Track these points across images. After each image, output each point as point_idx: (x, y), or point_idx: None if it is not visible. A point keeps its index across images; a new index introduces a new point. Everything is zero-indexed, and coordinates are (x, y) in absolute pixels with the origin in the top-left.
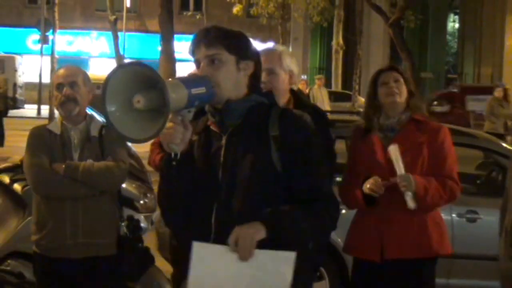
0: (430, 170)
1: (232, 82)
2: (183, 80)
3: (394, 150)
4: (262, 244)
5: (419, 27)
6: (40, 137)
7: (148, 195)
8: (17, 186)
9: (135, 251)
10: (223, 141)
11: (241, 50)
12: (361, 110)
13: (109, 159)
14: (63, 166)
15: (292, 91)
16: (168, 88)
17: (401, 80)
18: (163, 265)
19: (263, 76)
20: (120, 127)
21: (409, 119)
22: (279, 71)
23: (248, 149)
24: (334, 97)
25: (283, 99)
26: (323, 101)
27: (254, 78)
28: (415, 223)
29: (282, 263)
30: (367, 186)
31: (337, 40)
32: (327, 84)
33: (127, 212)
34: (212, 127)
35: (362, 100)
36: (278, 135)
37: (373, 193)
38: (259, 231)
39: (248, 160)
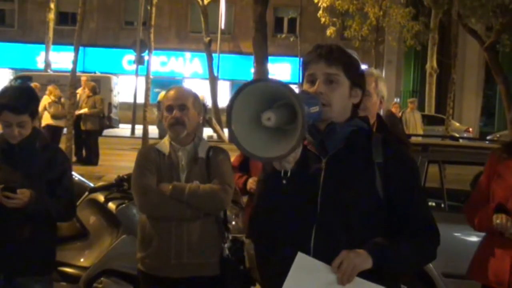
0: None
1: (343, 106)
2: (302, 98)
3: None
4: (361, 273)
5: None
6: (148, 157)
7: (240, 216)
8: (111, 205)
9: (237, 273)
10: (323, 165)
11: (356, 77)
12: (455, 134)
13: (215, 181)
14: (170, 187)
15: (378, 116)
16: (302, 106)
17: None
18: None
19: None
20: (247, 145)
21: None
22: (373, 93)
23: (350, 174)
24: (427, 120)
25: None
26: (415, 124)
27: (357, 108)
28: None
29: None
30: (497, 221)
31: (431, 63)
32: (420, 107)
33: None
34: (310, 148)
35: (456, 124)
36: (383, 163)
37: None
38: (365, 262)
39: (350, 186)
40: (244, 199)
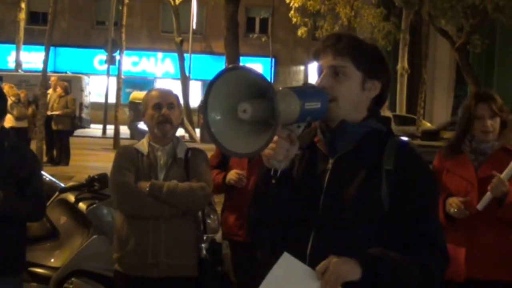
0: None
1: (352, 101)
2: (297, 91)
3: None
4: (351, 284)
5: (486, 51)
6: (127, 156)
7: (211, 216)
8: (81, 205)
9: (215, 274)
10: (329, 165)
11: (371, 67)
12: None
13: (194, 181)
14: (148, 184)
15: None
16: (279, 98)
17: (498, 112)
18: None
19: None
20: (222, 139)
21: (501, 146)
22: None
23: (356, 179)
24: (399, 120)
25: None
26: None
27: (377, 102)
28: (501, 243)
29: None
30: (453, 210)
31: (402, 64)
32: (392, 107)
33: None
34: (319, 145)
35: (427, 124)
36: (393, 170)
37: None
38: (353, 271)
39: (354, 191)
40: (217, 198)
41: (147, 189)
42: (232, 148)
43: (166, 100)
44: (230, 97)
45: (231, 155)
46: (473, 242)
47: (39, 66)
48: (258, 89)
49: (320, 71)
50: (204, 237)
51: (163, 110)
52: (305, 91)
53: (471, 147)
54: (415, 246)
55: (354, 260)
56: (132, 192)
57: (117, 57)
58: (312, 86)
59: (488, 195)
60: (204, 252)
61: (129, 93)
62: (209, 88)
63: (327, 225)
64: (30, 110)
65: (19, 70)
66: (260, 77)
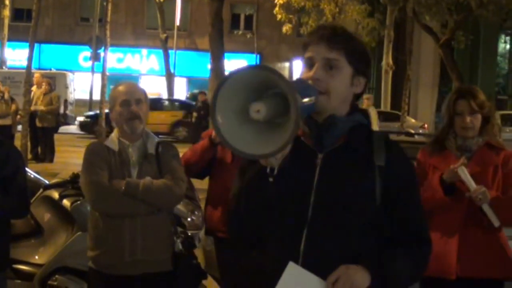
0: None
1: (342, 95)
2: (296, 87)
3: (462, 171)
4: None
5: (470, 47)
6: (98, 154)
7: (196, 212)
8: (66, 202)
9: (190, 267)
10: (319, 161)
11: (360, 64)
12: (410, 130)
13: (168, 177)
14: (123, 183)
15: None
16: (296, 96)
17: (477, 109)
18: (209, 283)
19: None
20: (234, 141)
21: (485, 142)
22: None
23: (348, 175)
24: (383, 117)
25: None
26: (372, 120)
27: (357, 98)
28: (492, 241)
29: None
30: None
31: (387, 60)
32: (376, 104)
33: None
34: (304, 139)
35: (411, 120)
36: (384, 166)
37: (454, 176)
38: (364, 280)
39: (347, 188)
40: (201, 195)
41: (123, 187)
42: (247, 150)
43: (133, 96)
44: (237, 98)
45: (247, 157)
46: (464, 241)
47: (24, 63)
48: (264, 87)
49: (310, 61)
50: (179, 230)
51: (131, 107)
52: (302, 87)
53: (456, 144)
54: (405, 241)
55: (362, 267)
56: (108, 191)
57: (102, 54)
58: (303, 81)
59: (486, 207)
60: (180, 246)
61: None
62: (217, 91)
63: (320, 221)
64: (13, 107)
65: (4, 67)
66: (273, 73)
